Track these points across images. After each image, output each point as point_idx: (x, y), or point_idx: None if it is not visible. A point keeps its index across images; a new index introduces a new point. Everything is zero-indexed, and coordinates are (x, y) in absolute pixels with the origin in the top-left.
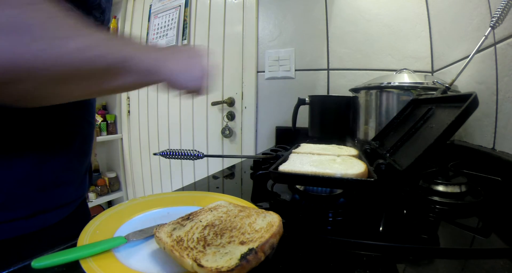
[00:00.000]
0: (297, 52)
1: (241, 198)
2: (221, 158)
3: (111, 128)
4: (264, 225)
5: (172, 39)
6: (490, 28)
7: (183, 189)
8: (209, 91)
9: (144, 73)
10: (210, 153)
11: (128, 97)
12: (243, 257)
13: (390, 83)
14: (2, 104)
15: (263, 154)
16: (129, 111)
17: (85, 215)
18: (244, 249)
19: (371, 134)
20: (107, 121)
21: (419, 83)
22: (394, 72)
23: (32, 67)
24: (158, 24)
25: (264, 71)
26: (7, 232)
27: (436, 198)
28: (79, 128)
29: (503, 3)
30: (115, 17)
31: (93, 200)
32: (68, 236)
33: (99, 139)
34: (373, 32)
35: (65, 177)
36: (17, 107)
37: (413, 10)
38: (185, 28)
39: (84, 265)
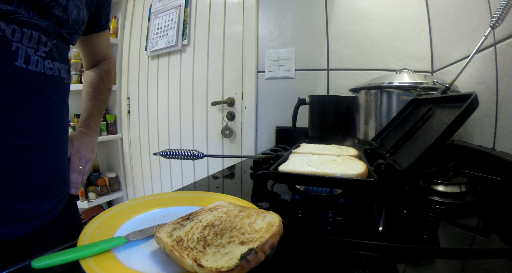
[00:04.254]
0: (297, 52)
1: (241, 198)
2: (221, 158)
3: (111, 128)
4: (264, 225)
5: (172, 39)
6: (490, 28)
7: (183, 189)
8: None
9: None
10: (210, 153)
11: (128, 98)
12: (243, 257)
13: (390, 83)
14: None
15: (263, 154)
16: (129, 111)
17: (66, 228)
18: (244, 249)
19: (371, 134)
20: (107, 121)
21: (419, 83)
22: (394, 72)
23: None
24: (158, 24)
25: (264, 71)
26: None
27: (436, 198)
28: (29, 140)
29: (503, 3)
30: (115, 17)
31: (93, 200)
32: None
33: (99, 138)
34: (373, 32)
35: (14, 193)
36: None
37: (413, 10)
38: (185, 28)
39: (84, 265)
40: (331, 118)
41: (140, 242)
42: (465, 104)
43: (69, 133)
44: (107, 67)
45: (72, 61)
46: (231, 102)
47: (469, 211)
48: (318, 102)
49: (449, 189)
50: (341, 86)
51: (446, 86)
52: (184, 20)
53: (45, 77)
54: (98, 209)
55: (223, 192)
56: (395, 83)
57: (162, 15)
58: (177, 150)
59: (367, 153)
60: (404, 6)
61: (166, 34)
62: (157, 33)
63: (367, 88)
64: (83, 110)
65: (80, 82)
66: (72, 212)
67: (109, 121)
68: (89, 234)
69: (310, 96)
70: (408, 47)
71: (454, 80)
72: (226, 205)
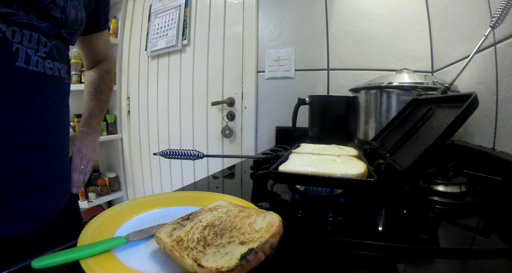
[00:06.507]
0: (297, 52)
1: (241, 198)
2: (221, 158)
3: (111, 128)
4: (264, 225)
5: (172, 39)
6: (490, 28)
7: (183, 189)
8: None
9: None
10: (210, 153)
11: (128, 98)
12: (243, 257)
13: (390, 83)
14: None
15: (263, 154)
16: (129, 111)
17: (66, 226)
18: (244, 249)
19: (371, 134)
20: (107, 121)
21: (419, 83)
22: (394, 72)
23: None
24: (158, 24)
25: (264, 71)
26: None
27: (436, 198)
28: (30, 139)
29: (503, 3)
30: (115, 17)
31: (93, 200)
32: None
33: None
34: (373, 32)
35: (16, 191)
36: None
37: (413, 10)
38: (185, 28)
39: (84, 265)
40: (331, 118)
41: (140, 242)
42: (465, 104)
43: (71, 133)
44: (107, 67)
45: (72, 61)
46: (231, 102)
47: (469, 211)
48: (318, 102)
49: (449, 189)
50: (341, 86)
51: (446, 86)
52: (184, 20)
53: (45, 77)
54: (98, 209)
55: (223, 192)
56: (395, 83)
57: (162, 15)
58: (177, 150)
59: (367, 153)
60: (404, 6)
61: (166, 34)
62: (157, 33)
63: (367, 88)
64: (84, 110)
65: (80, 82)
66: (73, 211)
67: (109, 121)
68: (89, 234)
69: (310, 96)
70: (408, 47)
71: (454, 80)
72: (226, 205)
